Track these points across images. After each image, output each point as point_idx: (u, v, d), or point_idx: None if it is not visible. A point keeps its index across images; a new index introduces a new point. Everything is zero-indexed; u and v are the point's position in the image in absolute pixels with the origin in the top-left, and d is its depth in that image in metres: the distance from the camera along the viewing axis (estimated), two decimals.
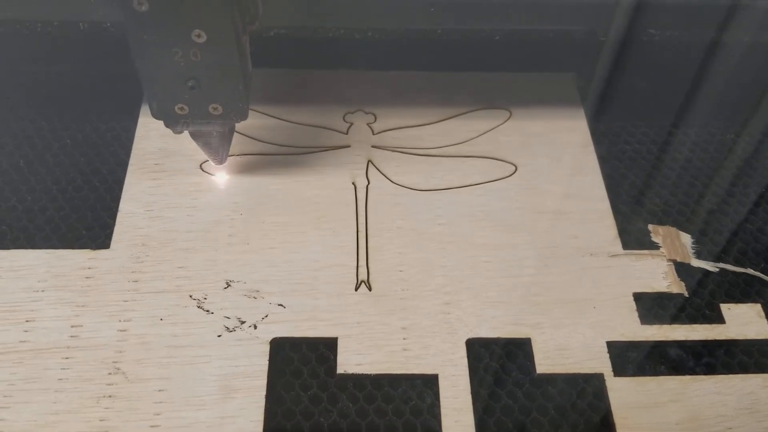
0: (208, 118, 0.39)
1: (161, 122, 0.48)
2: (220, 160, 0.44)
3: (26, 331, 0.38)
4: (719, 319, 0.41)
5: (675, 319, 0.41)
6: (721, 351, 0.40)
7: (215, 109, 0.38)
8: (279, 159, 0.47)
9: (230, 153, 0.45)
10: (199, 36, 0.34)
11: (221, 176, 0.46)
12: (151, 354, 0.38)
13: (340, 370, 0.38)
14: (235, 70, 0.36)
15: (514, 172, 0.47)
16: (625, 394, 0.38)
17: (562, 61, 0.54)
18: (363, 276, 0.41)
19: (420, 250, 0.43)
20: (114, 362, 0.38)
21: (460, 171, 0.47)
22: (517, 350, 0.39)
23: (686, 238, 0.44)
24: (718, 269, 0.43)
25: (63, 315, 0.39)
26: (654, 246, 0.44)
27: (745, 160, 0.49)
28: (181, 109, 0.38)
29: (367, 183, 0.46)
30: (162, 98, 0.38)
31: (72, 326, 0.39)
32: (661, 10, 0.54)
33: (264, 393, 0.37)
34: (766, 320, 0.41)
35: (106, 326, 0.39)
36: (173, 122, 0.39)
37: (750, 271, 0.43)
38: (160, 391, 0.37)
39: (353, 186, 0.46)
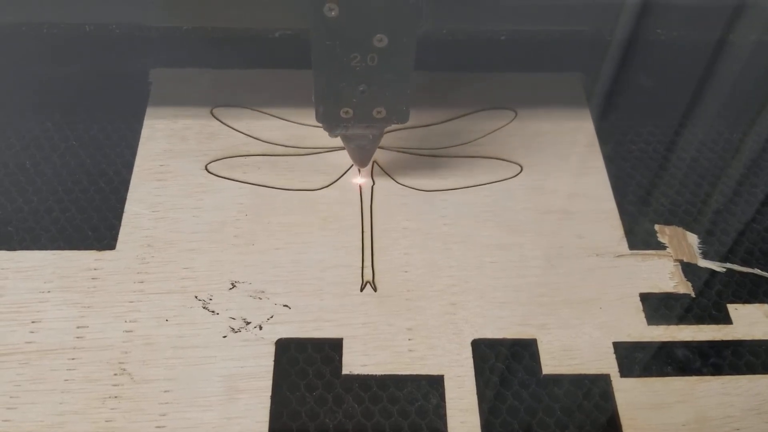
0: (370, 122, 0.40)
1: (166, 123, 0.48)
2: (366, 163, 0.45)
3: (32, 332, 0.38)
4: (726, 320, 0.41)
5: (682, 319, 0.41)
6: (728, 351, 0.40)
7: (379, 112, 0.39)
8: (284, 160, 0.47)
9: (235, 154, 0.45)
10: (380, 40, 0.35)
11: (361, 179, 0.46)
12: (157, 355, 0.38)
13: (345, 370, 0.38)
14: (408, 73, 0.37)
15: (520, 173, 0.47)
16: (632, 395, 0.38)
17: (568, 61, 0.54)
18: (368, 277, 0.41)
19: (425, 250, 0.43)
20: (120, 363, 0.38)
21: (466, 171, 0.47)
22: (523, 351, 0.39)
23: (693, 238, 0.44)
24: (725, 269, 0.43)
25: (69, 316, 0.39)
26: (660, 246, 0.44)
27: (752, 159, 0.49)
28: (346, 113, 0.39)
29: (372, 184, 0.46)
30: (330, 102, 0.38)
31: (78, 327, 0.39)
32: (667, 10, 0.54)
33: (269, 394, 0.37)
34: None
35: (111, 327, 0.39)
36: (334, 126, 0.40)
37: (757, 271, 0.43)
38: (165, 391, 0.37)
39: (358, 187, 0.46)
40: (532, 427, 0.37)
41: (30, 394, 0.36)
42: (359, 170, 0.46)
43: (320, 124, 0.40)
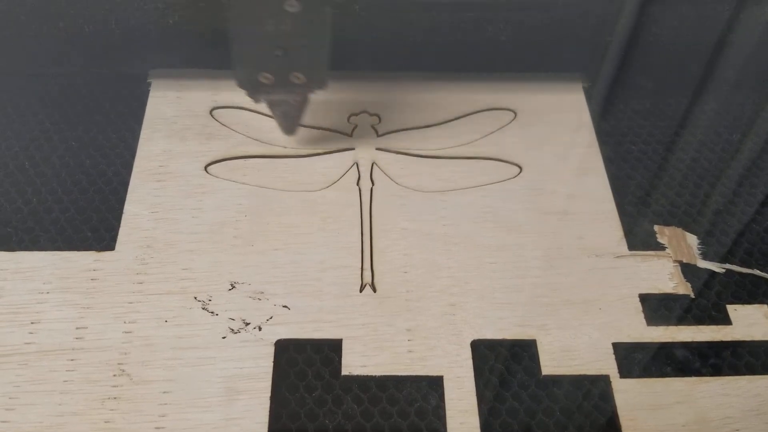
0: (290, 87, 0.41)
1: (165, 124, 0.48)
2: (293, 130, 0.46)
3: (31, 333, 0.38)
4: (726, 321, 0.41)
5: (681, 320, 0.41)
6: (727, 352, 0.40)
7: (297, 78, 0.41)
8: (283, 161, 0.47)
9: (234, 156, 0.45)
10: (292, 6, 0.37)
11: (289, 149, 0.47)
12: (156, 356, 0.38)
13: (344, 371, 0.38)
14: (322, 39, 0.39)
15: (519, 173, 0.47)
16: (632, 396, 0.38)
17: (568, 61, 0.53)
18: (367, 279, 0.41)
19: (425, 251, 0.43)
20: (119, 364, 0.38)
21: (465, 172, 0.47)
22: (523, 352, 0.39)
23: (692, 239, 0.44)
24: (724, 270, 0.43)
25: (68, 317, 0.39)
26: (660, 247, 0.44)
27: (751, 160, 0.49)
28: (266, 78, 0.40)
29: (371, 185, 0.46)
30: (249, 68, 0.40)
31: (77, 328, 0.39)
32: (667, 10, 0.54)
33: (269, 395, 0.37)
34: None
35: (111, 328, 0.39)
36: (255, 91, 0.42)
37: (756, 272, 0.43)
38: (164, 392, 0.37)
39: (358, 188, 0.45)
40: (532, 428, 0.37)
41: (29, 395, 0.36)
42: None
43: (243, 90, 0.42)
